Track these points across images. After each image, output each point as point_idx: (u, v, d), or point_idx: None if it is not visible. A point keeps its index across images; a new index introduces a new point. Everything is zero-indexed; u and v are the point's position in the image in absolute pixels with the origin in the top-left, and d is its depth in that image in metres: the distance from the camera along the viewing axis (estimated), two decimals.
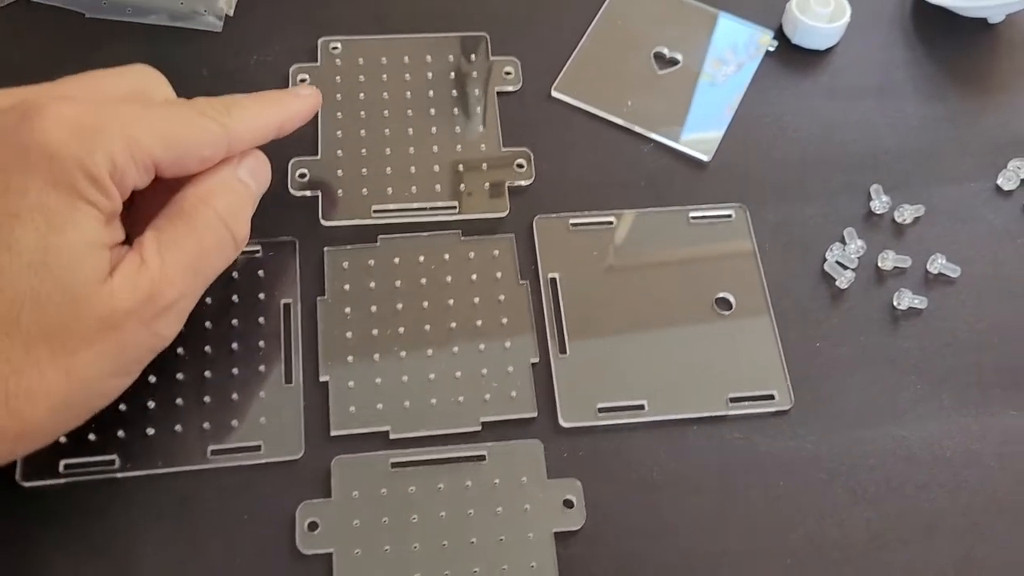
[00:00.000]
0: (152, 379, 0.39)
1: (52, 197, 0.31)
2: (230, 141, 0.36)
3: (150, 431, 0.38)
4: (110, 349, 0.32)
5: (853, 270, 0.43)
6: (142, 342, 0.33)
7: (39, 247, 0.30)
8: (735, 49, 0.49)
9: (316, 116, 0.45)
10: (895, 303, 0.43)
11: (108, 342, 0.32)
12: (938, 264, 0.43)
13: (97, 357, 0.32)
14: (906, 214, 0.44)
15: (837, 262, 0.43)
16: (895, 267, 0.43)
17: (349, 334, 0.41)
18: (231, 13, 0.48)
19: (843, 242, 0.44)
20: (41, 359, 0.30)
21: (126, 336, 0.32)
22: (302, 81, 0.46)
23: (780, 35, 0.50)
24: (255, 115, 0.37)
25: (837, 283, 0.43)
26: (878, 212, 0.45)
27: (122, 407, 0.38)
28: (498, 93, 0.47)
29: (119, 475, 0.37)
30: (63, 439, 0.37)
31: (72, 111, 0.32)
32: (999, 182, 0.46)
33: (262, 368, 0.40)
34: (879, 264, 0.43)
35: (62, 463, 0.37)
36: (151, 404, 0.38)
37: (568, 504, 0.38)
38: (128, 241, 0.34)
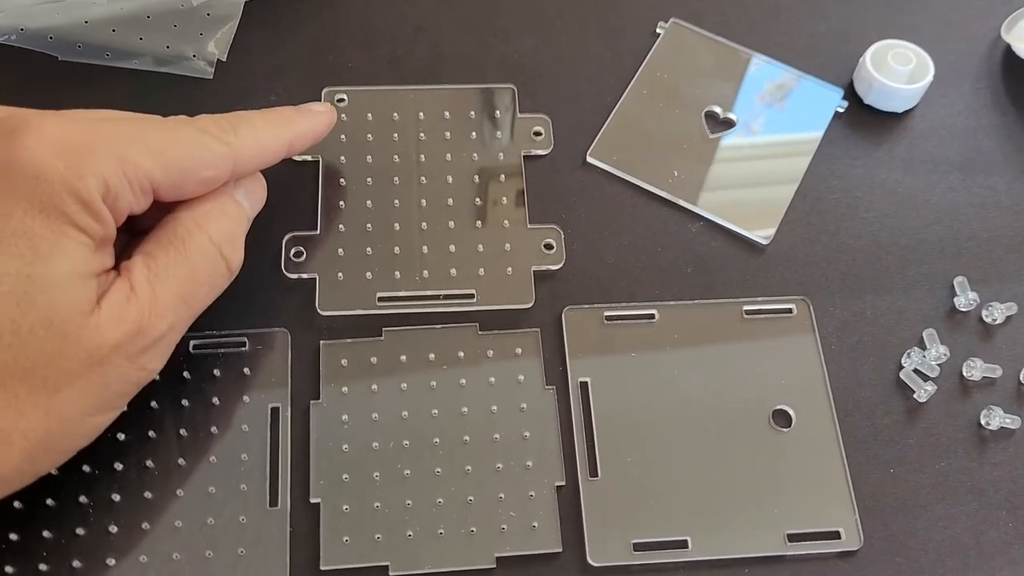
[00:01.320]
0: (116, 497, 0.34)
1: (38, 222, 0.28)
2: (235, 162, 0.33)
3: (111, 561, 0.33)
4: (94, 386, 0.29)
5: (934, 380, 0.37)
6: (127, 377, 0.30)
7: (22, 276, 0.27)
8: (799, 110, 0.43)
9: (317, 185, 0.39)
10: (983, 422, 0.36)
11: (92, 378, 0.29)
12: None
13: (79, 394, 0.29)
14: (996, 313, 0.38)
15: (915, 370, 0.37)
16: (984, 377, 0.37)
17: (346, 446, 0.35)
18: (223, 58, 0.42)
19: (922, 346, 0.38)
20: (19, 396, 0.28)
21: (111, 371, 0.29)
22: None
23: (851, 94, 0.43)
24: (263, 134, 0.34)
25: (915, 396, 0.37)
26: (963, 310, 0.38)
27: (79, 531, 0.33)
28: (525, 157, 0.41)
29: None
30: (10, 570, 0.32)
31: (61, 129, 0.29)
32: None
33: (243, 487, 0.34)
34: (964, 374, 0.37)
35: None
36: (112, 528, 0.33)
37: None
38: (115, 263, 0.31)
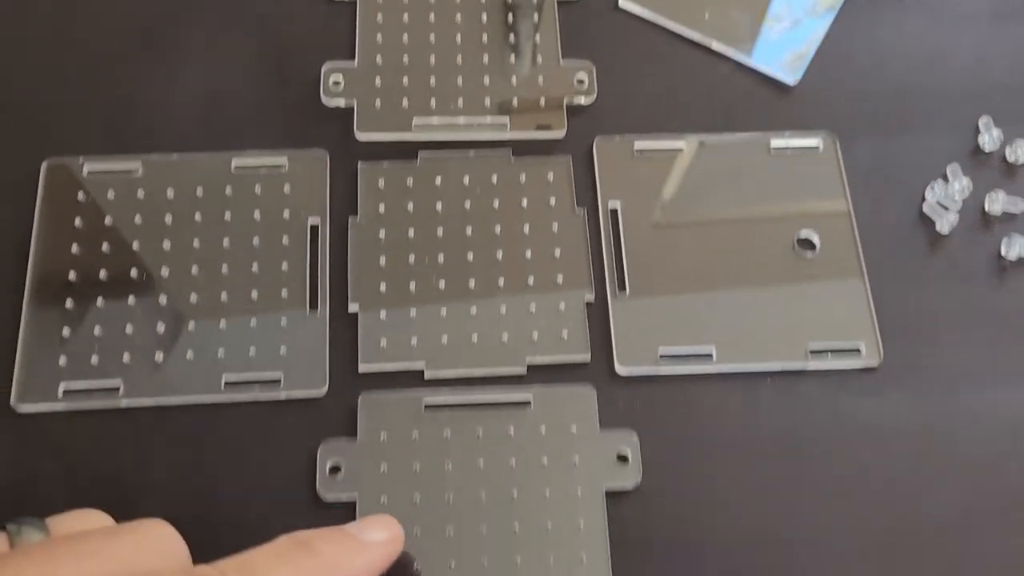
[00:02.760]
0: (163, 299, 0.35)
1: None
2: None
3: (159, 356, 0.34)
4: None
5: (956, 212, 0.38)
6: None
7: None
8: None
9: (353, 15, 0.40)
10: (1004, 251, 0.37)
11: None
12: None
13: None
14: (1020, 152, 0.39)
15: (938, 203, 0.38)
16: (1005, 211, 0.38)
17: (383, 260, 0.36)
18: None
19: (946, 180, 0.38)
20: None
21: None
22: None
23: None
24: None
25: (937, 227, 0.38)
26: (987, 149, 0.39)
27: (128, 328, 0.34)
28: (559, 2, 0.42)
29: (124, 403, 0.34)
30: (63, 360, 0.34)
31: None
32: None
33: (284, 293, 0.35)
34: (986, 207, 0.38)
35: (61, 387, 0.34)
36: (160, 328, 0.35)
37: (622, 459, 0.33)
38: None
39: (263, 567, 0.25)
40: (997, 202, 0.38)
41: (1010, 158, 0.39)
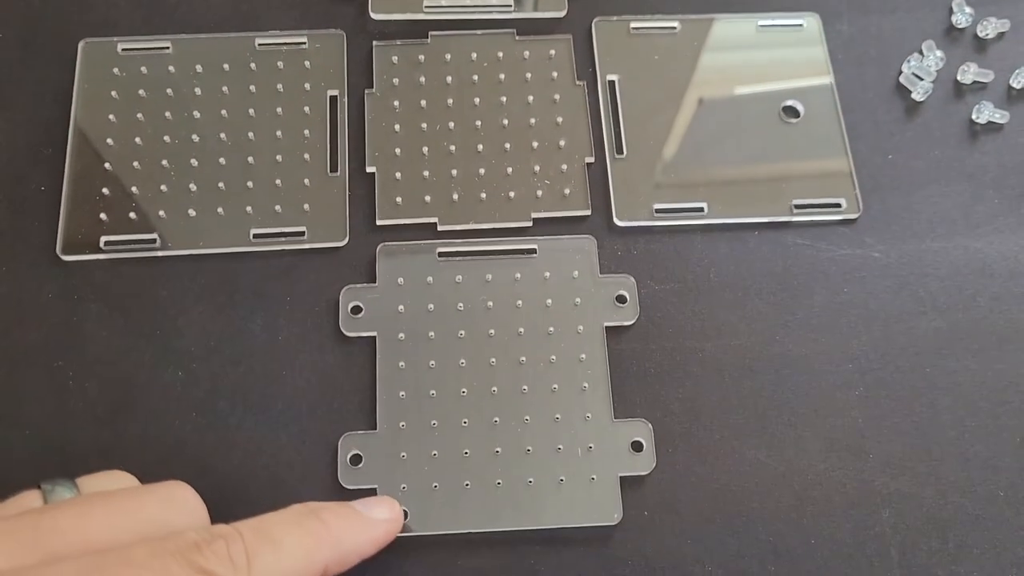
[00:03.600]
0: (194, 162, 0.38)
1: None
2: None
3: (192, 212, 0.37)
4: None
5: (931, 82, 0.40)
6: None
7: None
8: None
9: None
10: (974, 116, 0.40)
11: None
12: (1023, 79, 0.40)
13: None
14: (990, 28, 0.41)
15: (914, 74, 0.41)
16: (975, 81, 0.41)
17: (397, 127, 0.39)
18: None
19: (921, 54, 0.41)
20: None
21: None
22: None
23: None
24: (291, 557, 0.27)
25: (913, 95, 0.40)
26: (960, 26, 0.42)
27: (163, 187, 0.37)
28: None
29: (160, 254, 0.36)
30: (104, 215, 0.37)
31: None
32: None
33: (307, 157, 0.38)
34: (959, 78, 0.41)
35: (103, 239, 0.36)
36: (192, 186, 0.37)
37: (621, 300, 0.36)
38: None
39: (277, 530, 0.27)
40: (969, 73, 0.41)
41: (981, 33, 0.42)
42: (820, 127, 0.40)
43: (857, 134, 0.40)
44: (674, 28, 0.41)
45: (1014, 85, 0.41)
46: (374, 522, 0.30)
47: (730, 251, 0.37)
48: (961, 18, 0.42)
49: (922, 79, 0.40)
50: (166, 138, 0.38)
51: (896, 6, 0.42)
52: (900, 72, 0.41)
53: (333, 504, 0.30)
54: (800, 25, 0.42)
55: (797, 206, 0.38)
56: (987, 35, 0.42)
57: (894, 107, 0.40)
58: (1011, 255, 0.38)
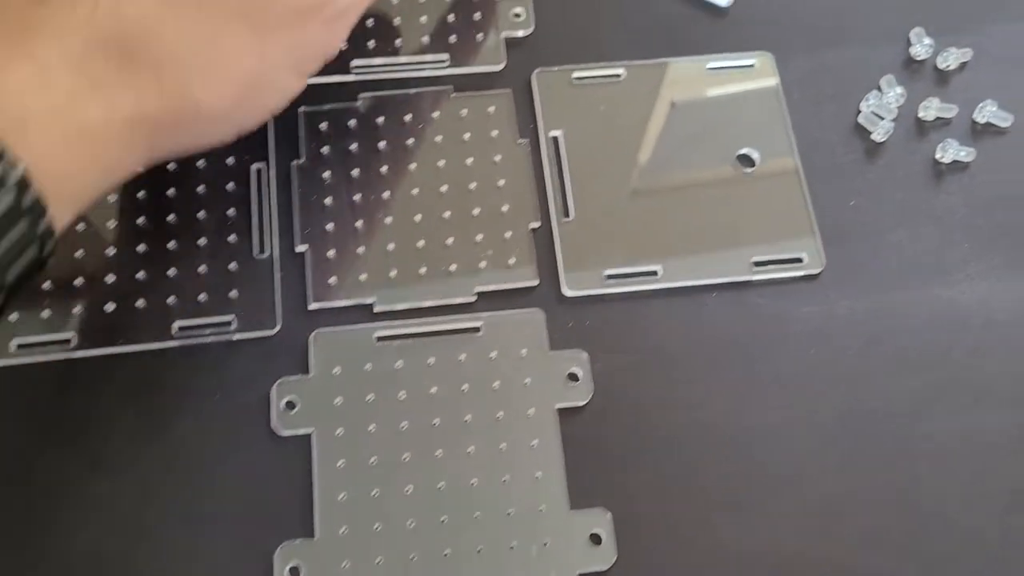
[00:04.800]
0: (110, 252, 0.35)
1: None
2: None
3: (109, 307, 0.34)
4: (295, 40, 0.32)
5: (892, 121, 0.38)
6: (319, 40, 0.33)
7: None
8: None
9: None
10: (938, 156, 0.38)
11: (294, 32, 0.31)
12: (987, 112, 0.38)
13: (284, 44, 0.31)
14: (951, 59, 0.39)
15: (873, 112, 0.38)
16: (938, 117, 0.39)
17: (328, 200, 0.36)
18: None
19: (880, 91, 0.39)
20: (240, 33, 0.30)
21: (308, 32, 0.32)
22: None
23: None
24: None
25: (873, 136, 0.38)
26: (919, 58, 0.40)
27: (77, 282, 0.35)
28: None
29: (77, 355, 0.34)
30: (14, 316, 0.34)
31: None
32: None
33: (232, 238, 0.36)
34: (920, 114, 0.39)
35: (14, 342, 0.34)
36: (110, 279, 0.35)
37: (573, 377, 0.34)
38: None
39: None
40: (931, 108, 0.38)
41: (941, 65, 0.40)
42: (777, 175, 0.38)
43: (817, 179, 0.37)
44: (619, 76, 0.39)
45: (978, 119, 0.38)
46: None
47: (688, 316, 0.35)
48: (920, 49, 0.40)
49: (882, 118, 0.38)
50: (80, 226, 0.35)
51: (851, 39, 0.40)
52: (859, 111, 0.39)
53: None
54: (752, 65, 0.40)
55: (757, 263, 0.36)
56: (948, 66, 0.39)
57: (854, 148, 0.38)
58: (985, 303, 0.36)
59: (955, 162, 0.38)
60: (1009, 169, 0.38)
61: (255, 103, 0.32)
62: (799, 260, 0.36)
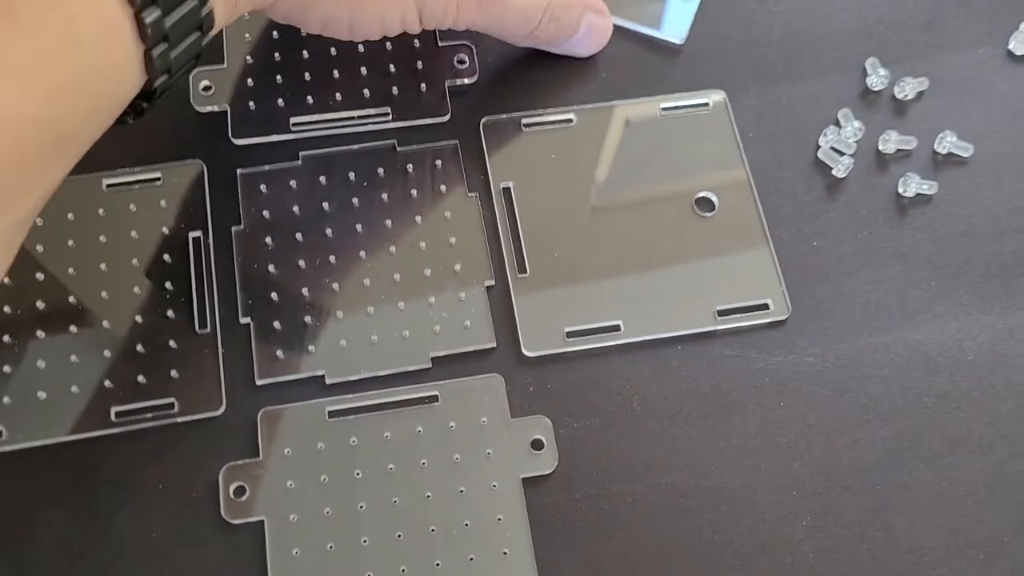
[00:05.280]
0: (40, 334, 0.33)
1: None
2: None
3: (41, 395, 0.32)
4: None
5: (851, 156, 0.37)
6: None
7: None
8: None
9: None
10: (901, 190, 0.37)
11: None
12: (947, 143, 0.37)
13: None
14: (908, 88, 0.39)
15: (832, 148, 0.37)
16: (898, 149, 0.38)
17: (272, 267, 0.35)
18: None
19: (838, 125, 0.38)
20: None
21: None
22: None
23: None
24: None
25: (833, 172, 0.37)
26: (876, 88, 0.39)
27: (6, 369, 0.32)
28: None
29: (6, 448, 0.32)
30: None
31: None
32: (1011, 46, 0.40)
33: (170, 313, 0.34)
34: (880, 147, 0.38)
35: None
36: (40, 363, 0.33)
37: (537, 445, 0.32)
38: None
39: None
40: (890, 141, 0.38)
41: (899, 95, 0.39)
42: (737, 218, 0.36)
43: (778, 221, 0.36)
44: (570, 121, 0.38)
45: (939, 150, 0.38)
46: None
47: (653, 372, 0.34)
48: (876, 80, 0.39)
49: (842, 153, 0.37)
50: (6, 309, 0.33)
51: (805, 73, 0.39)
52: (818, 147, 0.38)
53: None
54: (706, 104, 0.38)
55: (721, 312, 0.35)
56: (906, 96, 0.39)
57: (815, 186, 0.37)
58: (954, 344, 0.35)
59: (918, 195, 0.37)
60: (972, 201, 0.37)
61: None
62: (765, 306, 0.35)
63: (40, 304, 0.33)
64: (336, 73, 0.38)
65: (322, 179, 0.36)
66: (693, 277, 0.35)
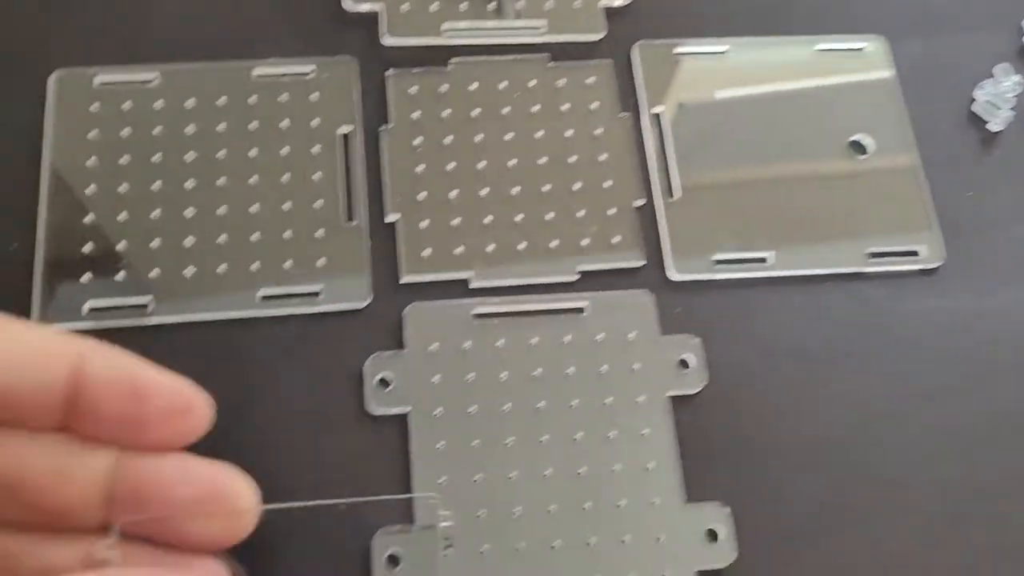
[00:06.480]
0: (188, 213, 0.33)
1: None
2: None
3: (189, 271, 0.32)
4: None
5: (1010, 109, 0.37)
6: None
7: None
8: None
9: None
10: None
11: None
12: None
13: None
14: None
15: (988, 102, 0.37)
16: None
17: (420, 168, 0.34)
18: None
19: (994, 78, 0.37)
20: None
21: None
22: None
23: None
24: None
25: (988, 125, 0.37)
26: None
27: (155, 244, 0.32)
28: None
29: (153, 321, 0.31)
30: (86, 278, 0.31)
31: None
32: None
33: (318, 204, 0.33)
34: None
35: (87, 305, 0.31)
36: (188, 241, 0.32)
37: (684, 364, 0.32)
38: None
39: None
40: None
41: None
42: (892, 163, 0.36)
43: (932, 169, 0.36)
44: (724, 51, 0.37)
45: None
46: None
47: (801, 308, 0.33)
48: None
49: (999, 107, 0.37)
50: (157, 184, 0.33)
51: (965, 25, 0.39)
52: (973, 99, 0.37)
53: None
54: (862, 48, 0.38)
55: (872, 254, 0.34)
56: None
57: (969, 139, 0.37)
58: None
59: None
60: None
61: None
62: (915, 253, 0.34)
63: (189, 184, 0.33)
64: None
65: (472, 86, 0.36)
66: (844, 217, 0.35)
